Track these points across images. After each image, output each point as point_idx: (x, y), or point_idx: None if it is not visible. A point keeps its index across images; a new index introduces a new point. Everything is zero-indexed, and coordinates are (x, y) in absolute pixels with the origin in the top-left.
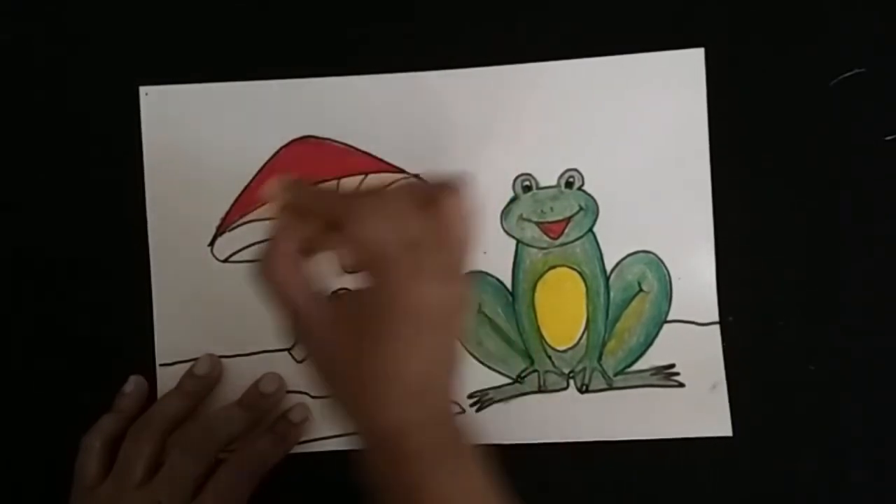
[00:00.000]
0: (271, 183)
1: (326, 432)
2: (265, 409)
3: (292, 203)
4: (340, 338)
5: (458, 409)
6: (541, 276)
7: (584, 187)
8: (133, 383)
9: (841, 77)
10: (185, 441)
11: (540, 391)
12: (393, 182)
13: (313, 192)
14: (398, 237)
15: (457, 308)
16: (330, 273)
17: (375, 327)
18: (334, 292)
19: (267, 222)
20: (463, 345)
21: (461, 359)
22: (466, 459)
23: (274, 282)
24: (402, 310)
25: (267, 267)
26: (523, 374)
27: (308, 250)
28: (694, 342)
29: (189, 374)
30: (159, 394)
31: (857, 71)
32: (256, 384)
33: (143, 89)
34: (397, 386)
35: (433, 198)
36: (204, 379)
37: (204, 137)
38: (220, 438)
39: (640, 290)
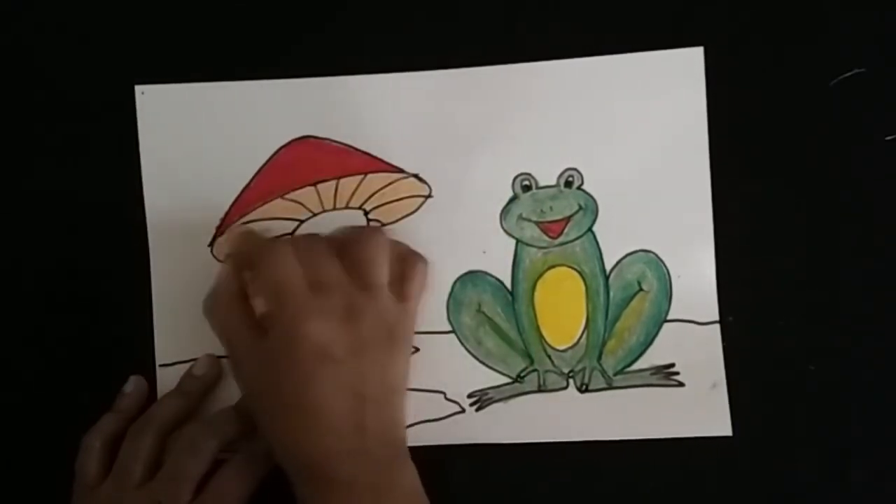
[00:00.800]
0: (225, 236)
1: None
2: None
3: (230, 250)
4: (261, 373)
5: (457, 410)
6: (540, 275)
7: (584, 186)
8: (133, 383)
9: (841, 77)
10: (185, 441)
11: (539, 391)
12: (393, 182)
13: (241, 238)
14: (297, 277)
15: (359, 347)
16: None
17: (281, 366)
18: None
19: (265, 223)
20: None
21: (392, 389)
22: (392, 487)
23: (213, 321)
24: (298, 347)
25: (207, 306)
26: (523, 374)
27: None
28: (694, 341)
29: (189, 374)
30: (159, 394)
31: (857, 71)
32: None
33: (139, 88)
34: (313, 418)
35: (347, 242)
36: (203, 379)
37: (202, 137)
38: (220, 438)
39: (640, 289)
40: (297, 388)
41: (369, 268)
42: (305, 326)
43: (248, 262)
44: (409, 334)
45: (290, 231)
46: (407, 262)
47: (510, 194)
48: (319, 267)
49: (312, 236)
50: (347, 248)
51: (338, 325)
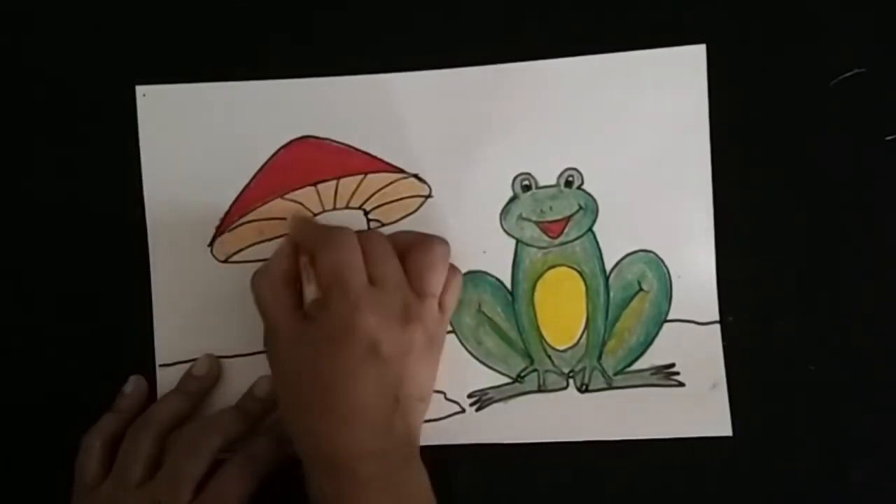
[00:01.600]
0: (288, 220)
1: None
2: (261, 413)
3: (294, 235)
4: (300, 358)
5: (457, 410)
6: (540, 275)
7: (584, 186)
8: (133, 383)
9: (841, 77)
10: (184, 441)
11: (539, 391)
12: (393, 182)
13: (305, 223)
14: (360, 268)
15: (406, 349)
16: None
17: (325, 354)
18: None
19: (266, 223)
20: (415, 385)
21: (421, 396)
22: (407, 486)
23: (261, 295)
24: (350, 337)
25: (257, 280)
26: (523, 374)
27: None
28: (694, 341)
29: (188, 374)
30: (159, 395)
31: (857, 71)
32: (251, 389)
33: (140, 89)
34: (341, 413)
35: (411, 247)
36: (203, 379)
37: (202, 138)
38: (220, 438)
39: (640, 289)
40: (339, 380)
41: (430, 276)
42: (362, 317)
43: (307, 247)
44: (443, 345)
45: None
46: (448, 275)
47: (510, 194)
48: (383, 263)
49: (377, 233)
50: (411, 252)
51: (392, 324)
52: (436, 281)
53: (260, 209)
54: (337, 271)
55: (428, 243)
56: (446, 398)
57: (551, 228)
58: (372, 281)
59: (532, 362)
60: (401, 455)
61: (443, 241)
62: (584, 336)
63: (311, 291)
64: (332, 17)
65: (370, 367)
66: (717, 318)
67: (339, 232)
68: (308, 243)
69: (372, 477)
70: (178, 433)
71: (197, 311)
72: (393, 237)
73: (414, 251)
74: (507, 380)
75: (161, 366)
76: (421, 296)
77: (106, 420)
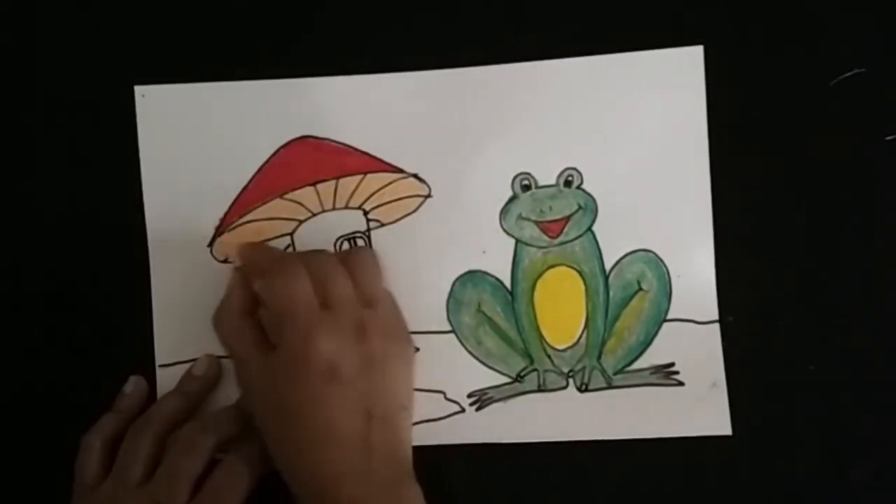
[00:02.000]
0: (236, 250)
1: None
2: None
3: (242, 262)
4: (268, 389)
5: (457, 410)
6: (540, 275)
7: (583, 186)
8: (133, 383)
9: (841, 77)
10: (183, 441)
11: (539, 390)
12: (392, 182)
13: (252, 250)
14: (308, 294)
15: (367, 365)
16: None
17: (288, 382)
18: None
19: (265, 222)
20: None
21: (400, 405)
22: None
23: (222, 333)
24: (307, 364)
25: (217, 319)
26: (523, 374)
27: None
28: (693, 341)
29: (188, 374)
30: (159, 395)
31: (857, 71)
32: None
33: (139, 89)
34: (314, 437)
35: (345, 262)
36: (203, 380)
37: (201, 138)
38: (216, 437)
39: (640, 288)
40: (304, 407)
41: (373, 282)
42: (314, 345)
43: (258, 273)
44: (410, 339)
45: (290, 231)
46: (358, 266)
47: (510, 194)
48: (331, 284)
49: (323, 253)
50: (347, 266)
51: (348, 344)
52: (378, 286)
53: (259, 209)
54: (285, 301)
55: (359, 255)
56: (446, 398)
57: (551, 228)
58: (323, 303)
59: (532, 362)
60: (388, 476)
61: (366, 248)
62: (584, 335)
63: (267, 318)
64: (332, 16)
65: (332, 390)
66: (716, 317)
67: (284, 259)
68: (256, 272)
69: (358, 500)
70: (177, 433)
71: (197, 311)
72: (331, 252)
73: (348, 265)
74: (507, 379)
75: (161, 366)
76: (370, 305)
77: (106, 420)
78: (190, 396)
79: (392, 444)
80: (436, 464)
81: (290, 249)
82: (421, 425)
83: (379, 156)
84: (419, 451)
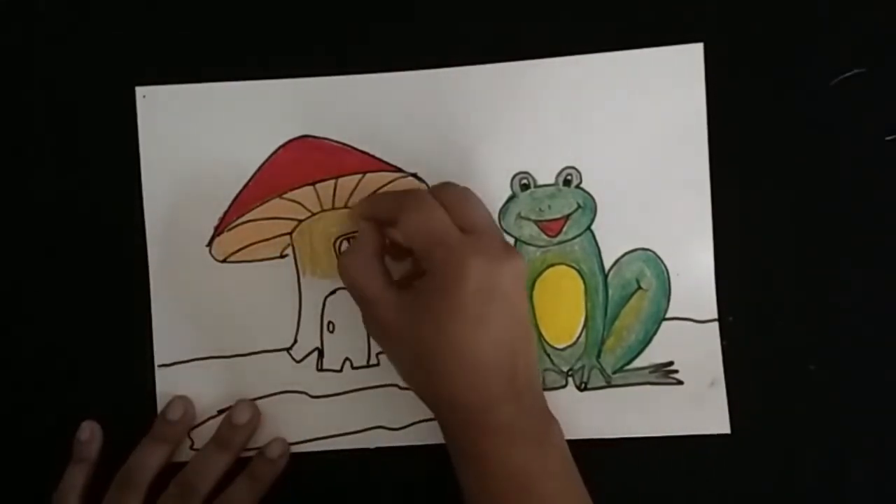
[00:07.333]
0: (360, 202)
1: (326, 432)
2: (240, 443)
3: (367, 214)
4: (411, 323)
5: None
6: (539, 274)
7: (582, 185)
8: (88, 429)
9: (841, 77)
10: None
11: None
12: (391, 181)
13: (378, 199)
14: (448, 223)
15: (515, 282)
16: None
17: (442, 309)
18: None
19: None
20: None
21: (533, 337)
22: (545, 436)
23: (349, 276)
24: (464, 288)
25: (346, 264)
26: None
27: (385, 251)
28: (692, 339)
29: (162, 419)
30: (159, 396)
31: (857, 71)
32: (229, 416)
33: (139, 90)
34: (470, 363)
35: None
36: (178, 424)
37: (201, 137)
38: (201, 492)
39: (639, 287)
40: (458, 334)
41: (484, 211)
42: (474, 263)
43: (388, 220)
44: None
45: (289, 231)
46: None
47: (508, 193)
48: (468, 210)
49: (450, 185)
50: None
51: (499, 263)
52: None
53: (259, 209)
54: (430, 231)
55: (451, 186)
56: None
57: (550, 227)
58: (463, 230)
59: None
60: (535, 406)
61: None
62: (583, 334)
63: (402, 253)
64: (331, 16)
65: (492, 309)
66: (715, 316)
67: (415, 194)
68: (388, 214)
69: (513, 422)
70: (163, 499)
71: (196, 311)
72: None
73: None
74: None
75: (160, 366)
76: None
77: (71, 473)
78: (166, 440)
79: (531, 372)
80: (436, 464)
81: (290, 250)
82: (422, 424)
83: (378, 155)
84: (420, 451)
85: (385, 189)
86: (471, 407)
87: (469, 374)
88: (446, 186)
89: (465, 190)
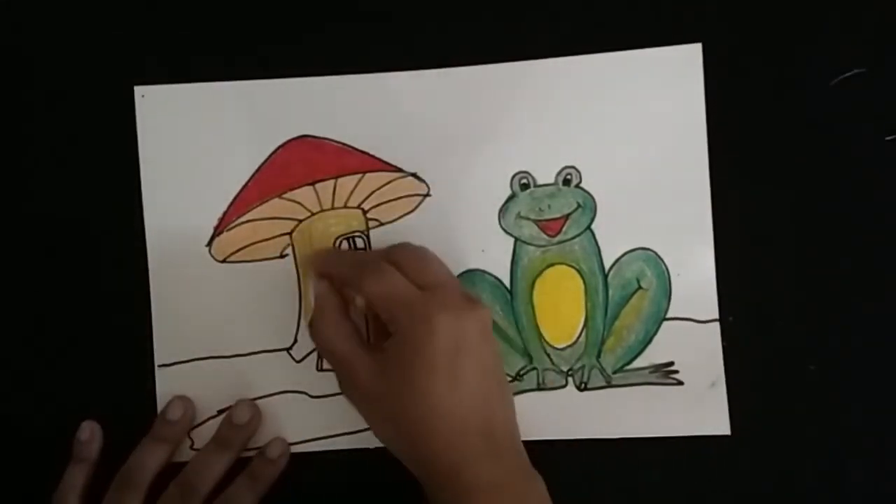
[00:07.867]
0: (315, 260)
1: (326, 432)
2: (241, 443)
3: (322, 272)
4: (387, 384)
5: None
6: (539, 273)
7: (582, 185)
8: (88, 429)
9: (841, 77)
10: None
11: (539, 389)
12: (391, 181)
13: (326, 259)
14: (406, 285)
15: (482, 334)
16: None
17: (414, 367)
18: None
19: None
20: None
21: (508, 392)
22: (527, 494)
23: (325, 339)
24: (433, 345)
25: (316, 329)
26: (522, 372)
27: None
28: (693, 340)
29: (162, 419)
30: (159, 396)
31: (857, 71)
32: (230, 416)
33: (138, 89)
34: (447, 420)
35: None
36: (178, 424)
37: (200, 137)
38: (201, 492)
39: (639, 287)
40: (431, 390)
41: (440, 266)
42: (438, 321)
43: (346, 279)
44: None
45: (288, 230)
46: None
47: (508, 193)
48: (425, 268)
49: (404, 245)
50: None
51: (464, 316)
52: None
53: (258, 209)
54: (390, 296)
55: (405, 246)
56: None
57: (550, 227)
58: (424, 288)
59: (531, 361)
60: (515, 462)
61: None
62: (583, 334)
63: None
64: (331, 16)
65: (461, 362)
66: (716, 316)
67: (370, 261)
68: (348, 281)
69: (494, 481)
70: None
71: (196, 311)
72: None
73: (406, 257)
74: (507, 378)
75: (160, 366)
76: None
77: (71, 473)
78: (166, 441)
79: (510, 426)
80: None
81: (290, 249)
82: None
83: (377, 155)
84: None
85: (382, 190)
86: (451, 465)
87: (446, 431)
88: (401, 248)
89: (420, 248)
